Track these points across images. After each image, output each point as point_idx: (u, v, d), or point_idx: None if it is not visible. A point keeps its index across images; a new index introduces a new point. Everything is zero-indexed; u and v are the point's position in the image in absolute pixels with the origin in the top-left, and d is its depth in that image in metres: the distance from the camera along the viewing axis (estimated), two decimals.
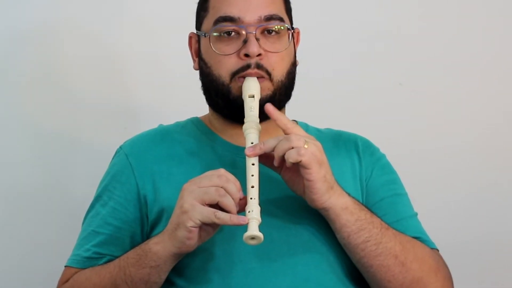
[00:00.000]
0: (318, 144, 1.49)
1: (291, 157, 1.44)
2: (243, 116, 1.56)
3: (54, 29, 2.22)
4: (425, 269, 1.55)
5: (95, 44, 2.24)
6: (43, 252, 2.17)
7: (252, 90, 1.57)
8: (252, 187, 1.45)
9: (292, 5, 1.70)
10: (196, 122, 1.73)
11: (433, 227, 1.72)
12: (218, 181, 1.43)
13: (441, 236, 1.73)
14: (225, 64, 1.60)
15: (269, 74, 1.60)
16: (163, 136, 1.70)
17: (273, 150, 1.48)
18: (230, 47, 1.60)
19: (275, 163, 1.48)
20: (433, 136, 2.35)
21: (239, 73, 1.59)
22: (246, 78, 1.59)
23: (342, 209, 1.50)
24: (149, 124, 1.81)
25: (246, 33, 1.58)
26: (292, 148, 1.45)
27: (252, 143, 1.51)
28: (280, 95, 1.63)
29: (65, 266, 1.64)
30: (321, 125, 1.78)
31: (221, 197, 1.42)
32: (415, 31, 2.36)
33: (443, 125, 2.35)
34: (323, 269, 1.54)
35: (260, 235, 1.41)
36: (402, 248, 1.52)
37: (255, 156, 1.49)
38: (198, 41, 1.68)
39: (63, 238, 2.05)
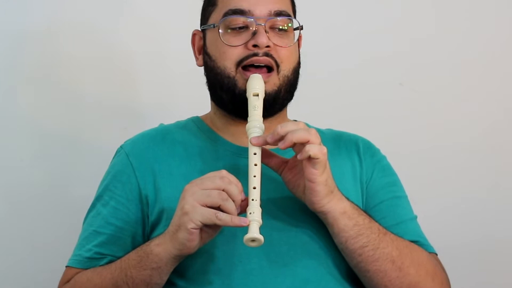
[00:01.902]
0: (324, 148, 1.48)
1: (312, 151, 1.44)
2: (247, 112, 1.56)
3: (55, 29, 2.22)
4: (422, 274, 1.55)
5: (95, 44, 2.24)
6: (43, 252, 2.17)
7: (256, 89, 1.57)
8: (254, 188, 1.45)
9: (295, 4, 1.71)
10: (197, 122, 1.73)
11: (431, 227, 1.73)
12: (220, 183, 1.43)
13: (439, 238, 1.73)
14: (230, 55, 1.60)
15: (277, 65, 1.60)
16: (163, 136, 1.70)
17: (276, 144, 1.48)
18: (238, 39, 1.60)
19: (281, 145, 1.45)
20: (433, 136, 2.35)
21: (244, 61, 1.59)
22: (251, 76, 1.58)
23: (341, 213, 1.50)
24: (149, 123, 1.82)
25: (256, 25, 1.59)
26: (309, 141, 1.44)
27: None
28: (285, 91, 1.63)
29: (66, 266, 1.65)
30: (322, 125, 1.78)
31: (223, 201, 1.42)
32: (415, 31, 2.36)
33: (443, 125, 2.36)
34: (322, 271, 1.54)
35: (261, 237, 1.41)
36: (399, 253, 1.53)
37: (259, 145, 1.48)
38: (203, 37, 1.68)
39: (64, 238, 2.06)
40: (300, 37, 1.69)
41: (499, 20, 2.39)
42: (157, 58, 2.26)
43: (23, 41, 2.20)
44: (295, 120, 1.75)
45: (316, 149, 1.44)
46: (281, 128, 1.46)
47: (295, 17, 1.68)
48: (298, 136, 1.44)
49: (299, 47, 1.69)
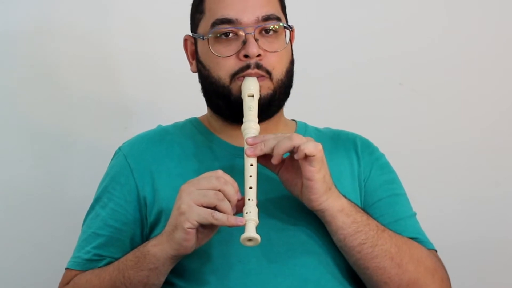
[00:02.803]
0: (319, 145, 1.48)
1: (308, 149, 1.44)
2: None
3: (54, 30, 2.22)
4: (422, 271, 1.54)
5: (94, 44, 2.24)
6: (43, 252, 2.17)
7: (251, 90, 1.57)
8: (250, 188, 1.45)
9: (293, 3, 1.70)
10: (195, 123, 1.73)
11: (431, 226, 1.72)
12: (216, 183, 1.43)
13: (439, 236, 1.73)
14: (224, 66, 1.60)
15: (269, 73, 1.60)
16: (162, 137, 1.70)
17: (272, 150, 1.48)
18: (229, 49, 1.59)
19: (274, 161, 1.47)
20: (433, 136, 2.35)
21: (239, 74, 1.59)
22: (246, 78, 1.58)
23: (339, 211, 1.50)
24: (148, 124, 1.82)
25: (245, 34, 1.58)
26: (294, 146, 1.45)
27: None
28: (280, 94, 1.62)
29: (65, 269, 1.65)
30: (321, 124, 1.78)
31: (219, 201, 1.42)
32: (415, 31, 2.35)
33: (443, 125, 2.35)
34: (322, 270, 1.54)
35: (257, 236, 1.41)
36: (398, 250, 1.52)
37: (255, 156, 1.48)
38: (195, 44, 1.68)
39: (63, 238, 2.08)
40: (292, 32, 1.67)
41: (499, 20, 2.38)
42: (157, 58, 2.26)
43: (22, 42, 2.20)
44: (294, 120, 1.76)
45: (311, 147, 1.44)
46: (265, 146, 1.47)
47: (285, 15, 1.66)
48: (282, 149, 1.45)
49: (291, 43, 1.67)
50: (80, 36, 2.23)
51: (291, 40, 1.67)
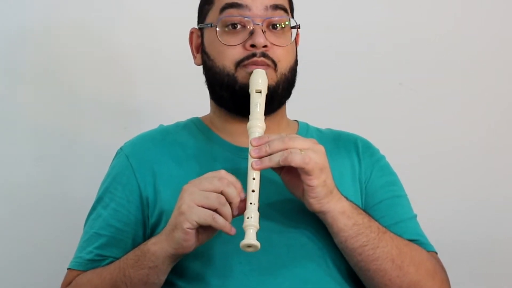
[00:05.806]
0: (321, 148, 1.48)
1: (294, 161, 1.44)
2: (248, 109, 1.56)
3: (55, 29, 2.22)
4: (422, 273, 1.54)
5: (95, 43, 2.23)
6: (42, 253, 2.17)
7: (259, 85, 1.57)
8: (253, 191, 1.44)
9: (293, 2, 1.71)
10: (196, 123, 1.73)
11: (431, 228, 1.72)
12: (218, 184, 1.42)
13: (439, 238, 1.73)
14: (229, 55, 1.60)
15: (274, 64, 1.60)
16: (163, 137, 1.70)
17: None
18: (236, 38, 1.60)
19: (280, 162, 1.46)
20: (432, 136, 2.35)
21: (244, 62, 1.59)
22: (254, 71, 1.58)
23: (340, 213, 1.50)
24: (149, 123, 1.82)
25: (253, 25, 1.59)
26: (286, 149, 1.45)
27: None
28: (283, 89, 1.63)
29: (68, 269, 1.65)
30: (321, 125, 1.78)
31: (220, 205, 1.41)
32: (415, 31, 2.36)
33: (443, 125, 2.35)
34: (321, 272, 1.55)
35: (257, 243, 1.40)
36: (399, 252, 1.53)
37: (260, 158, 1.48)
38: (201, 36, 1.68)
39: (63, 238, 2.07)
40: (297, 35, 1.68)
41: (499, 20, 2.38)
42: (158, 58, 2.26)
43: (22, 41, 2.20)
44: (296, 121, 1.76)
45: (299, 160, 1.44)
46: (269, 148, 1.46)
47: (292, 16, 1.67)
48: (273, 148, 1.45)
49: (296, 45, 1.69)
50: (81, 36, 2.23)
51: (296, 41, 1.67)
